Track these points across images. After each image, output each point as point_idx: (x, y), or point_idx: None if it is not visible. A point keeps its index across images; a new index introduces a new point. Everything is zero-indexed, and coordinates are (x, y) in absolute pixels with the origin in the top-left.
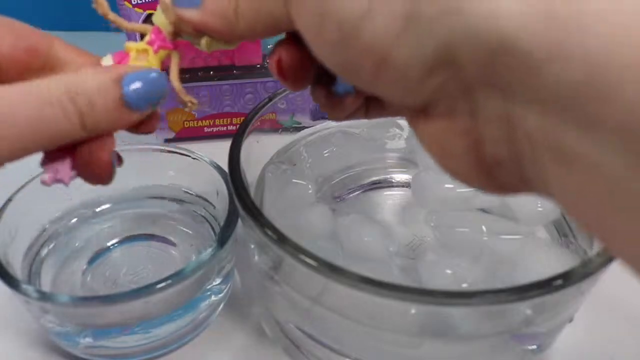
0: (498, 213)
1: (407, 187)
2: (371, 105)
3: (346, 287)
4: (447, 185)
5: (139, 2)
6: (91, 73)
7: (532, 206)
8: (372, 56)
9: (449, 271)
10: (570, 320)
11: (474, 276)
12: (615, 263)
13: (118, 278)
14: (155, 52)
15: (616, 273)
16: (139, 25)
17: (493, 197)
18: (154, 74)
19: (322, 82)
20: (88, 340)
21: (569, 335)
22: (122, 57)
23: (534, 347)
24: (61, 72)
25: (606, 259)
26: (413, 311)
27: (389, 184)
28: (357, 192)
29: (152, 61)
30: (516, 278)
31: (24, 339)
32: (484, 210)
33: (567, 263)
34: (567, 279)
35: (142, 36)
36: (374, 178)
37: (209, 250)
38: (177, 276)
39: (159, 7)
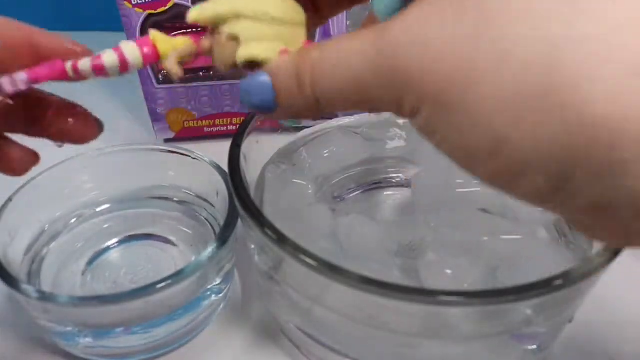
0: (498, 213)
1: (407, 187)
2: None
3: (346, 287)
4: (447, 185)
5: (139, 2)
6: None
7: (532, 206)
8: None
9: (449, 271)
10: (570, 320)
11: (474, 276)
12: (615, 263)
13: (118, 278)
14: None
15: (616, 273)
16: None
17: (493, 197)
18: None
19: None
20: (88, 340)
21: (569, 335)
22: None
23: (534, 347)
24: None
25: (606, 259)
26: (413, 311)
27: (389, 184)
28: (357, 192)
29: (170, 40)
30: (516, 278)
31: (24, 339)
32: (484, 210)
33: (567, 263)
34: (567, 279)
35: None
36: (374, 178)
37: (209, 250)
38: (177, 276)
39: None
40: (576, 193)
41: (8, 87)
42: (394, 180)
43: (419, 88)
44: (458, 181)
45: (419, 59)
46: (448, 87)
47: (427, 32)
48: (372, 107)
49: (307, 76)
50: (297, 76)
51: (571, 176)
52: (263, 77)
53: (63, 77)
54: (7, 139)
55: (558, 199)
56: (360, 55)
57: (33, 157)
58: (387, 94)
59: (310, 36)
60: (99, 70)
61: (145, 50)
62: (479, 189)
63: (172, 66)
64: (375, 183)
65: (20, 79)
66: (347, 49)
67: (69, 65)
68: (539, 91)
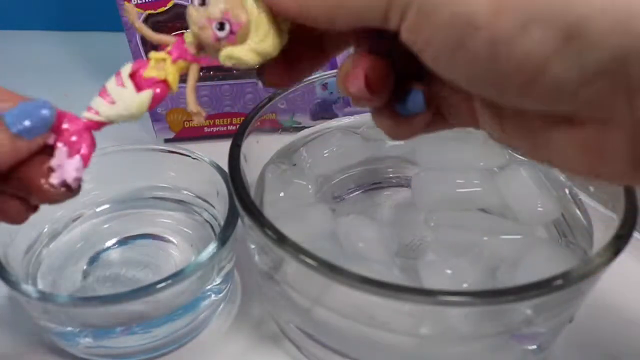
0: (498, 213)
1: (407, 187)
2: (437, 120)
3: (346, 287)
4: (447, 185)
5: (139, 2)
6: None
7: (532, 206)
8: (523, 72)
9: (449, 271)
10: (570, 320)
11: (474, 276)
12: (615, 263)
13: (118, 278)
14: (174, 61)
15: (616, 273)
16: (163, 36)
17: (493, 197)
18: (31, 104)
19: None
20: (88, 340)
21: (569, 335)
22: (141, 64)
23: (534, 347)
24: None
25: (606, 259)
26: (413, 311)
27: (389, 184)
28: (357, 192)
29: (169, 70)
30: (516, 278)
31: (24, 339)
32: (484, 210)
33: (567, 263)
34: (567, 279)
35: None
36: (374, 178)
37: (209, 250)
38: (177, 276)
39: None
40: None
41: (73, 174)
42: (393, 180)
43: None
44: (458, 181)
45: None
46: None
47: None
48: (357, 18)
49: None
50: None
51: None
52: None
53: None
54: (4, 193)
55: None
56: None
57: (31, 209)
58: (374, 3)
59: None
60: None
61: (157, 90)
62: (479, 189)
63: (194, 108)
64: (375, 183)
65: (78, 166)
66: None
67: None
68: None
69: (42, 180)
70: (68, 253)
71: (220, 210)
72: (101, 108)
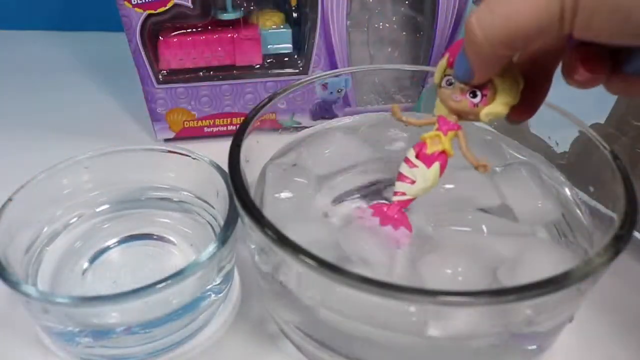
0: (498, 213)
1: None
2: None
3: (346, 287)
4: (447, 186)
5: (139, 2)
6: None
7: (532, 206)
8: None
9: (449, 271)
10: (570, 320)
11: (474, 276)
12: (615, 263)
13: (118, 278)
14: (445, 134)
15: (616, 273)
16: (426, 120)
17: (493, 197)
18: None
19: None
20: (88, 340)
21: (569, 335)
22: (421, 146)
23: (534, 347)
24: None
25: (606, 259)
26: (413, 311)
27: (389, 184)
28: (357, 192)
29: (445, 142)
30: (516, 278)
31: (24, 339)
32: (483, 210)
33: (567, 263)
34: (567, 279)
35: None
36: (374, 178)
37: (209, 250)
38: (177, 276)
39: (438, 102)
40: None
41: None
42: (393, 180)
43: None
44: (458, 181)
45: None
46: None
47: None
48: (537, 33)
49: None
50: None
51: None
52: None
53: None
54: None
55: None
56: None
57: None
58: (551, 19)
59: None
60: None
61: (441, 160)
62: (479, 189)
63: (477, 162)
64: (375, 183)
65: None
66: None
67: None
68: None
69: None
70: (68, 253)
71: (220, 210)
72: (407, 189)
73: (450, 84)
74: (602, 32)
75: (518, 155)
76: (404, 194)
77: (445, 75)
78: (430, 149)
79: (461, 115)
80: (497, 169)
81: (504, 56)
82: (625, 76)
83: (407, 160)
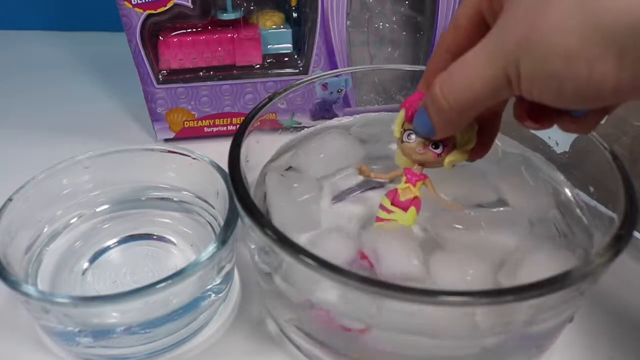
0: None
1: None
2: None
3: (346, 287)
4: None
5: (139, 2)
6: None
7: (528, 199)
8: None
9: (449, 271)
10: (571, 320)
11: (475, 276)
12: (616, 263)
13: (118, 278)
14: (414, 186)
15: (616, 273)
16: (394, 174)
17: (489, 193)
18: None
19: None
20: (88, 340)
21: (569, 335)
22: (394, 194)
23: (534, 347)
24: None
25: (606, 259)
26: (413, 311)
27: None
28: (356, 192)
29: (415, 191)
30: (517, 278)
31: (23, 339)
32: (480, 205)
33: (567, 263)
34: (567, 279)
35: None
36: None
37: (209, 250)
38: (177, 276)
39: (398, 155)
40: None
41: None
42: (393, 181)
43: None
44: (454, 179)
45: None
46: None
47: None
48: (492, 96)
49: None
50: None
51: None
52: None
53: None
54: None
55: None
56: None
57: None
58: (501, 86)
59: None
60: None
61: (415, 204)
62: (475, 185)
63: (451, 206)
64: (375, 183)
65: None
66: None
67: None
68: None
69: None
70: (68, 253)
71: (220, 210)
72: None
73: (411, 136)
74: (544, 97)
75: (510, 150)
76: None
77: (405, 130)
78: (403, 197)
79: (425, 165)
80: (489, 166)
81: (469, 118)
82: (574, 118)
83: (383, 208)
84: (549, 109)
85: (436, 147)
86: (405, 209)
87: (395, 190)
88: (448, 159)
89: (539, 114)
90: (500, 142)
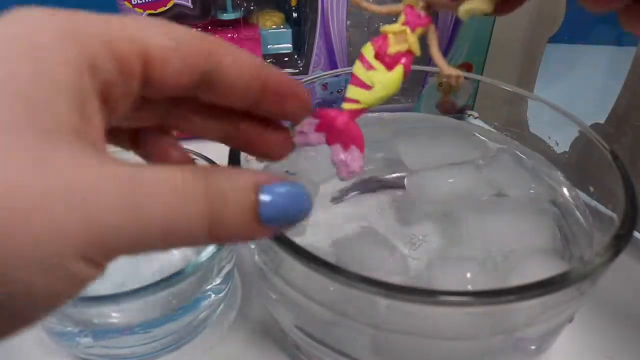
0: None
1: (399, 187)
2: None
3: (346, 287)
4: (442, 182)
5: (139, 2)
6: (226, 175)
7: (525, 188)
8: None
9: (450, 271)
10: (570, 320)
11: (475, 276)
12: (615, 263)
13: (118, 278)
14: (412, 31)
15: (616, 273)
16: (388, 8)
17: (487, 187)
18: (296, 190)
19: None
20: (88, 340)
21: (569, 335)
22: (381, 42)
23: (534, 347)
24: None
25: (606, 259)
26: (413, 311)
27: (389, 185)
28: (355, 192)
29: (410, 40)
30: (516, 278)
31: (24, 339)
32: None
33: (567, 263)
34: (567, 279)
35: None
36: (373, 178)
37: (209, 250)
38: (177, 276)
39: None
40: None
41: (358, 164)
42: (392, 181)
43: None
44: (451, 178)
45: None
46: None
47: None
48: None
49: None
50: None
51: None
52: None
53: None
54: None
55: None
56: None
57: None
58: None
59: None
60: None
61: (405, 62)
62: (473, 181)
63: (450, 71)
64: (374, 183)
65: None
66: None
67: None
68: None
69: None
70: None
71: None
72: (361, 97)
73: None
74: None
75: (499, 145)
76: (357, 101)
77: None
78: (393, 47)
79: (435, 6)
80: (482, 161)
81: None
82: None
83: (363, 60)
84: None
85: None
86: (391, 66)
87: (385, 36)
88: (467, 5)
89: None
90: (485, 136)
